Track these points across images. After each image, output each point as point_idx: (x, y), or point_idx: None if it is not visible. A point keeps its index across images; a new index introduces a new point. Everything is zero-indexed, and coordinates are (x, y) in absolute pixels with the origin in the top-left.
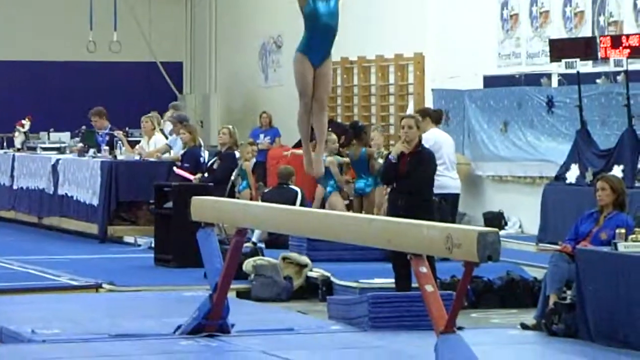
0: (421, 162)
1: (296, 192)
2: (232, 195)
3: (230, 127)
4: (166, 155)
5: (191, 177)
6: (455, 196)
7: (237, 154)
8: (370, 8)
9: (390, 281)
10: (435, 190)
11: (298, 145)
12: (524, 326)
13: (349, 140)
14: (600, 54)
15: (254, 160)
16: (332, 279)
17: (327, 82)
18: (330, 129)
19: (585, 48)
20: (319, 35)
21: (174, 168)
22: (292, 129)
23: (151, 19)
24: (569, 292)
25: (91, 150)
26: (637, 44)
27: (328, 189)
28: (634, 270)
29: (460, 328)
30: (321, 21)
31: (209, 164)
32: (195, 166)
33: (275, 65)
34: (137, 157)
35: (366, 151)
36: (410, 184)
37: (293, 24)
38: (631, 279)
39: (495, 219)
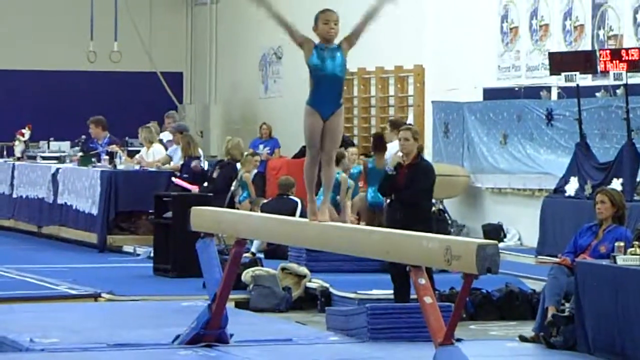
0: (419, 174)
1: (296, 202)
2: (232, 205)
3: (239, 139)
4: (166, 165)
5: (190, 187)
6: None
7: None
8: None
9: (389, 292)
10: None
11: (297, 155)
12: (523, 338)
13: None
14: (599, 68)
15: (254, 171)
16: (331, 289)
17: (337, 136)
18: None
19: (584, 61)
20: (326, 87)
21: (173, 178)
22: (292, 140)
23: (151, 29)
24: (567, 305)
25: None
26: (637, 58)
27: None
28: (632, 284)
29: (458, 340)
30: (327, 74)
31: (210, 173)
32: (193, 177)
33: (275, 76)
34: (136, 167)
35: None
36: (408, 196)
37: None
38: (630, 292)
39: (495, 231)
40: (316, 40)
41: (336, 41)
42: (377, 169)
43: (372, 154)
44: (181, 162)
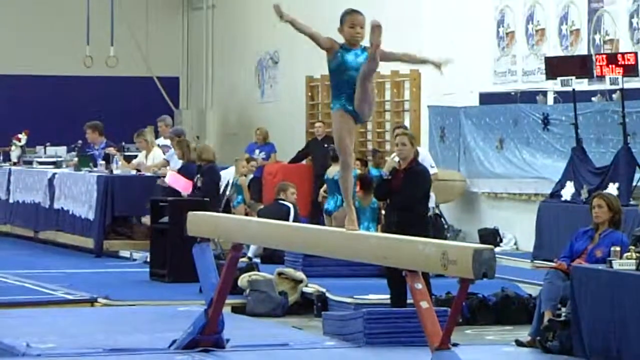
0: (415, 178)
1: (288, 207)
2: (227, 210)
3: (206, 143)
4: (163, 169)
5: (184, 184)
6: None
7: (233, 170)
8: (366, 24)
9: (385, 297)
10: None
11: (293, 160)
12: (519, 343)
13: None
14: (595, 72)
15: (250, 175)
16: (327, 294)
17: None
18: (327, 145)
19: (580, 66)
20: (351, 83)
21: (161, 180)
22: (287, 145)
23: (148, 34)
24: (563, 309)
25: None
26: (633, 63)
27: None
28: (628, 288)
29: (455, 344)
30: (349, 68)
31: (194, 183)
32: (210, 182)
33: (272, 81)
34: (134, 172)
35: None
36: (403, 200)
37: (289, 40)
38: (626, 296)
39: (491, 236)
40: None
41: (363, 43)
42: (363, 207)
43: (358, 193)
44: (178, 166)
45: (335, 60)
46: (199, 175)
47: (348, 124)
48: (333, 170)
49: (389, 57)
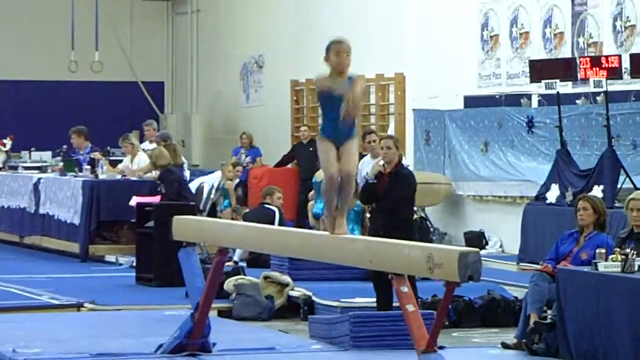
0: (400, 182)
1: (273, 211)
2: (213, 214)
3: (160, 148)
4: (148, 174)
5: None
6: None
7: (219, 174)
8: (351, 27)
9: (371, 300)
10: None
11: (279, 164)
12: (505, 345)
13: None
14: (579, 75)
15: (237, 180)
16: (314, 298)
17: (353, 158)
18: (312, 149)
19: (565, 69)
20: (336, 112)
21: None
22: (273, 149)
23: (133, 38)
24: (549, 312)
25: (72, 172)
26: (617, 65)
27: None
28: (613, 290)
29: (441, 347)
30: (335, 96)
31: (158, 190)
32: (171, 185)
33: (257, 85)
34: (119, 177)
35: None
36: (389, 204)
37: (274, 44)
38: (611, 298)
39: (476, 239)
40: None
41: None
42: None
43: None
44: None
45: (322, 91)
46: (159, 182)
47: (332, 151)
48: (321, 174)
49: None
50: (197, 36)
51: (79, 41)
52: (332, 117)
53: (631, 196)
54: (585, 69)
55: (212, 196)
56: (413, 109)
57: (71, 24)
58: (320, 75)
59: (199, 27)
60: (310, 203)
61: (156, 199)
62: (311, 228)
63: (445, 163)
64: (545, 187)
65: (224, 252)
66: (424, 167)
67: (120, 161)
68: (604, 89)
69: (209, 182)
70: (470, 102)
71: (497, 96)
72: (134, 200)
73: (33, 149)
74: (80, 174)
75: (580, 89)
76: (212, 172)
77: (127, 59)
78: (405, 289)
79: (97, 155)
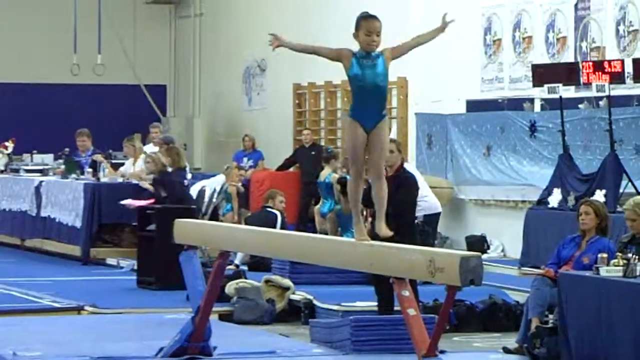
0: (402, 185)
1: (275, 215)
2: (215, 217)
3: (154, 154)
4: (150, 176)
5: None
6: None
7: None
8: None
9: (372, 304)
10: None
11: (281, 168)
12: (506, 350)
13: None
14: (582, 79)
15: (239, 184)
16: (315, 302)
17: (382, 147)
18: (314, 152)
19: (567, 73)
20: (367, 97)
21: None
22: (275, 152)
23: (135, 42)
24: (551, 316)
25: (73, 174)
26: (619, 70)
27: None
28: (615, 295)
29: (442, 352)
30: (367, 84)
31: (156, 196)
32: (173, 187)
33: (259, 89)
34: (120, 179)
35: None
36: (391, 208)
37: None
38: (612, 303)
39: (478, 243)
40: (349, 46)
41: (378, 49)
42: (345, 213)
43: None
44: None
45: (351, 69)
46: (158, 187)
47: (359, 133)
48: (325, 174)
49: (403, 51)
50: (199, 39)
51: (82, 44)
52: (362, 99)
53: (624, 206)
54: (588, 73)
55: (214, 200)
56: (415, 113)
57: (74, 27)
58: (349, 51)
59: (201, 30)
60: (316, 207)
61: (148, 202)
62: (314, 232)
63: (447, 167)
64: (548, 191)
65: (225, 255)
66: (426, 171)
67: (122, 164)
68: (607, 93)
69: (211, 185)
70: (473, 106)
71: (499, 100)
72: (127, 200)
73: (35, 151)
74: (82, 176)
75: (582, 94)
76: (214, 175)
77: (130, 62)
78: (407, 292)
79: (99, 157)
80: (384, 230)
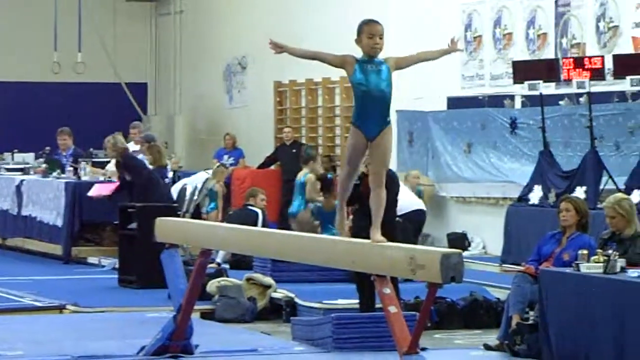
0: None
1: (256, 213)
2: (197, 216)
3: (111, 138)
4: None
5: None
6: None
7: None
8: (333, 29)
9: (354, 302)
10: None
11: (262, 166)
12: (487, 347)
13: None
14: (563, 76)
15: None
16: (296, 299)
17: (383, 155)
18: (295, 150)
19: (548, 70)
20: (371, 104)
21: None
22: (256, 150)
23: (116, 40)
24: (532, 313)
25: (55, 172)
26: (600, 66)
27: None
28: (595, 291)
29: (423, 349)
30: (371, 90)
31: (122, 181)
32: (137, 170)
33: (240, 87)
34: (101, 178)
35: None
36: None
37: (257, 45)
38: (593, 300)
39: (459, 240)
40: (353, 51)
41: (381, 55)
42: (325, 210)
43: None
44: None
45: (355, 75)
46: (121, 171)
47: (359, 141)
48: (302, 174)
49: (407, 63)
50: (180, 37)
51: (62, 42)
52: (366, 105)
53: (604, 203)
54: (568, 70)
55: (195, 197)
56: (396, 110)
57: (54, 25)
58: (352, 57)
59: (182, 28)
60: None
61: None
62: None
63: (428, 164)
64: (528, 188)
65: (207, 253)
66: (407, 169)
67: (103, 162)
68: (587, 90)
69: (192, 183)
70: (454, 103)
71: (480, 97)
72: (93, 190)
73: (16, 150)
74: (63, 175)
75: (563, 90)
76: (195, 173)
77: (110, 61)
78: (388, 290)
79: (72, 166)
80: (378, 238)
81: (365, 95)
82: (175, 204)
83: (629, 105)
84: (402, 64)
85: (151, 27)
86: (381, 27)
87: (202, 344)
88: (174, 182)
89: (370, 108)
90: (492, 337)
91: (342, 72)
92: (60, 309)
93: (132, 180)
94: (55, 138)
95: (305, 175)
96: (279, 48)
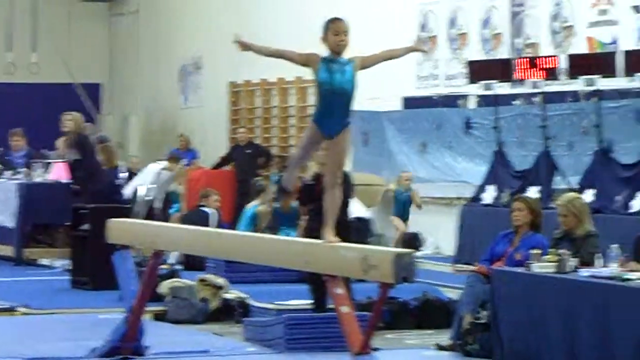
0: None
1: (207, 214)
2: (150, 214)
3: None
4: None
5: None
6: None
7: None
8: (289, 28)
9: (307, 302)
10: None
11: (216, 166)
12: (440, 347)
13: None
14: (517, 76)
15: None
16: (249, 300)
17: (340, 156)
18: (249, 151)
19: (502, 70)
20: (332, 102)
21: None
22: (211, 150)
23: (70, 40)
24: (484, 313)
25: (8, 172)
26: (554, 66)
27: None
28: (547, 291)
29: (375, 349)
30: (335, 88)
31: (71, 165)
32: (85, 149)
33: (195, 87)
34: (54, 179)
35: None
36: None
37: (213, 46)
38: (544, 299)
39: (412, 240)
40: (309, 50)
41: (347, 54)
42: (283, 212)
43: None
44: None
45: (319, 73)
46: (69, 150)
47: (313, 137)
48: (251, 205)
49: (373, 62)
50: (135, 38)
51: (17, 43)
52: (328, 104)
53: (557, 202)
54: (523, 69)
55: (151, 195)
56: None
57: (9, 25)
58: (317, 55)
59: (137, 28)
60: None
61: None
62: None
63: (383, 164)
64: (482, 188)
65: (159, 255)
66: (362, 169)
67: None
68: (541, 89)
69: (144, 179)
70: (409, 103)
71: (435, 97)
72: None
73: None
74: (15, 176)
75: (517, 90)
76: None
77: (65, 61)
78: (340, 290)
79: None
80: (331, 238)
81: (328, 94)
82: (127, 205)
83: (582, 105)
84: (368, 63)
85: (106, 27)
86: (346, 24)
87: (153, 345)
88: (129, 179)
89: (332, 107)
90: (444, 337)
91: (298, 73)
92: (11, 311)
93: (82, 159)
94: (8, 139)
95: (254, 207)
96: (245, 46)
